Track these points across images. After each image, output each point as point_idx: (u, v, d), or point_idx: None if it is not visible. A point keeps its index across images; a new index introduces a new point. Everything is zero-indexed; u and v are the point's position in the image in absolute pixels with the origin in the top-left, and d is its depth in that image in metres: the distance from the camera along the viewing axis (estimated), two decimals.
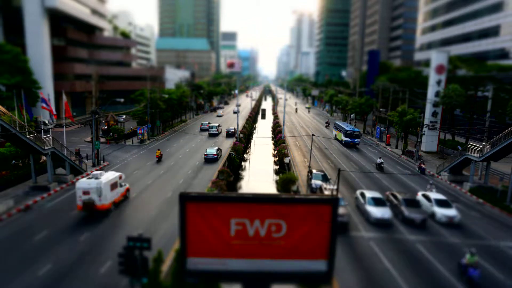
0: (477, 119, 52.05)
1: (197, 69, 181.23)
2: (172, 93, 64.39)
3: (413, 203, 24.20)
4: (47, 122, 41.79)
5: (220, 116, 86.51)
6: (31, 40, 62.10)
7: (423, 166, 37.54)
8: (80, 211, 23.35)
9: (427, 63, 61.16)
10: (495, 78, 47.04)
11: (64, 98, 41.69)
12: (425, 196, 26.21)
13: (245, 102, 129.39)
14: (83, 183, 22.99)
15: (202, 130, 63.02)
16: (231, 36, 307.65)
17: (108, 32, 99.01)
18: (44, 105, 38.38)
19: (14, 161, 32.30)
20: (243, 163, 44.15)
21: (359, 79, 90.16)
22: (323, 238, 7.69)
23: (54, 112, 38.35)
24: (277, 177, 34.81)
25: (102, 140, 49.03)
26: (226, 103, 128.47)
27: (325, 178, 29.36)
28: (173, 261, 14.76)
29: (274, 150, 47.87)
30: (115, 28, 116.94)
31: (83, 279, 16.15)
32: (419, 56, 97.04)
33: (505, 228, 23.57)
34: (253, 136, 64.11)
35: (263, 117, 72.47)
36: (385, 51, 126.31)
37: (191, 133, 60.39)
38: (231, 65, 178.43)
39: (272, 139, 57.25)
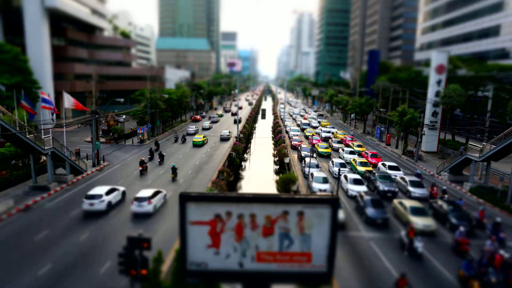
0: (477, 119, 52.01)
1: (197, 69, 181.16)
2: (172, 93, 64.39)
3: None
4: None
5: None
6: (31, 40, 62.06)
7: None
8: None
9: (427, 63, 61.12)
10: (495, 78, 47.03)
11: (68, 96, 41.01)
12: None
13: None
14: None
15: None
16: (231, 36, 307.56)
17: (108, 32, 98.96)
18: (44, 104, 38.22)
19: (14, 161, 32.27)
20: (243, 163, 44.13)
21: (359, 79, 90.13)
22: (323, 237, 7.66)
23: (56, 110, 38.04)
24: (277, 177, 34.80)
25: (102, 140, 49.01)
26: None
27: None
28: (173, 261, 14.76)
29: (274, 150, 47.84)
30: (115, 28, 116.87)
31: (83, 279, 16.14)
32: (419, 56, 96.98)
33: (505, 228, 23.52)
34: (253, 136, 64.10)
35: (263, 117, 72.56)
36: (385, 51, 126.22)
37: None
38: (231, 65, 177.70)
39: (272, 139, 57.25)
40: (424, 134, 45.14)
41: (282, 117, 64.15)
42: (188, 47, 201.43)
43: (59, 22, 70.63)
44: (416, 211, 22.84)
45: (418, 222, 21.79)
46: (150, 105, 52.83)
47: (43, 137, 30.37)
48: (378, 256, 18.89)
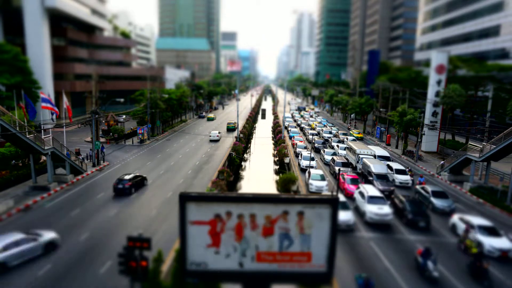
0: (477, 119, 51.99)
1: (197, 69, 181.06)
2: (172, 93, 64.40)
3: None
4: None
5: None
6: (31, 40, 62.07)
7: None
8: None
9: (427, 63, 61.11)
10: (495, 78, 47.03)
11: (66, 100, 41.41)
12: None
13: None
14: None
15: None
16: (231, 36, 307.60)
17: (108, 32, 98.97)
18: (44, 104, 38.19)
19: (14, 161, 32.29)
20: (243, 163, 44.13)
21: (359, 79, 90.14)
22: (323, 237, 7.66)
23: (56, 109, 38.13)
24: (277, 177, 34.78)
25: (102, 140, 48.99)
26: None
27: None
28: (173, 261, 14.75)
29: (274, 150, 47.84)
30: (115, 28, 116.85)
31: (83, 279, 16.15)
32: (419, 56, 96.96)
33: (505, 228, 23.51)
34: (253, 136, 64.11)
35: (263, 117, 72.57)
36: (385, 51, 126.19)
37: (191, 133, 60.41)
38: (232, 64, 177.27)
39: (272, 139, 57.23)
40: (424, 134, 45.14)
41: (283, 115, 65.76)
42: (188, 47, 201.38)
43: (59, 22, 70.62)
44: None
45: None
46: (150, 105, 52.84)
47: (43, 137, 30.38)
48: (378, 256, 18.89)
